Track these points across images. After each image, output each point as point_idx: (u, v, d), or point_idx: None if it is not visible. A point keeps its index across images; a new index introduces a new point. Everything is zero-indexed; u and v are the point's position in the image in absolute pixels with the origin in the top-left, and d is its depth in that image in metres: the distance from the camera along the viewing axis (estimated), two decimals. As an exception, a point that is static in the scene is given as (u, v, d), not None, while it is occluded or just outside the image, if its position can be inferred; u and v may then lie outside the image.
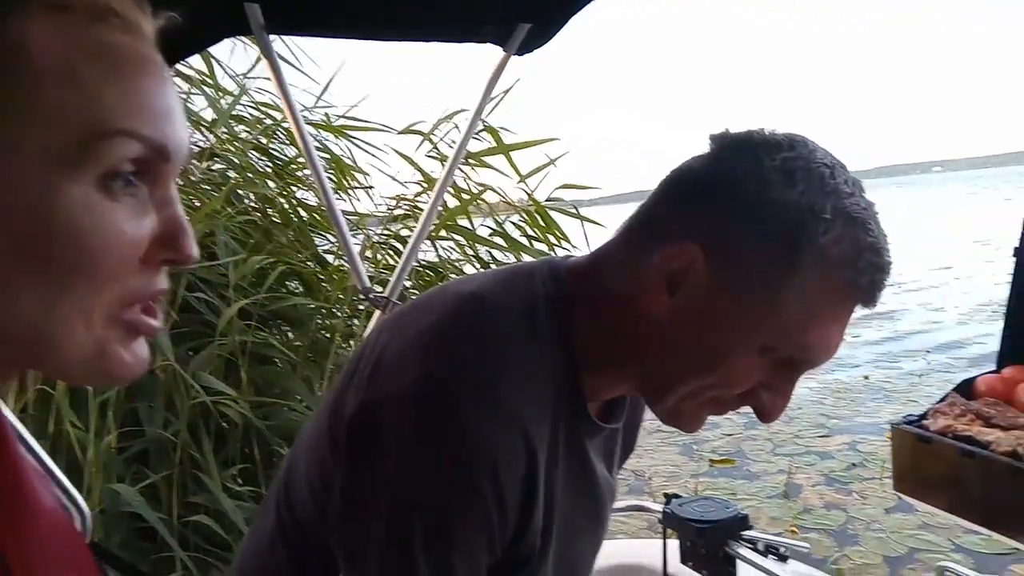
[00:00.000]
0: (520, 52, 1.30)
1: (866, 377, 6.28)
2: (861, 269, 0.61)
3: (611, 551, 1.72)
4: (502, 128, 3.02)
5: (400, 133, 3.08)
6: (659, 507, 1.56)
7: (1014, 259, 0.99)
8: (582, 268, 0.71)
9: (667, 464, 4.85)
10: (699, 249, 0.62)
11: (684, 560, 1.49)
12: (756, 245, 0.61)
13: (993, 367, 1.00)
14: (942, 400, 0.95)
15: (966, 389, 0.97)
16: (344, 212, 3.39)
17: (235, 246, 2.62)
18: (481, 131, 2.96)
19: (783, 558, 1.52)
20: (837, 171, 0.62)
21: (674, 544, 1.54)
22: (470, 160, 3.04)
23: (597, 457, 0.77)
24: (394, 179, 3.12)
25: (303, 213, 3.07)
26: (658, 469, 4.76)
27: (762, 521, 3.84)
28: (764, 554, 1.48)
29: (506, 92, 2.91)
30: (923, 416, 0.94)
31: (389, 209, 3.11)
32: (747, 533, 1.49)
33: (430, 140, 2.99)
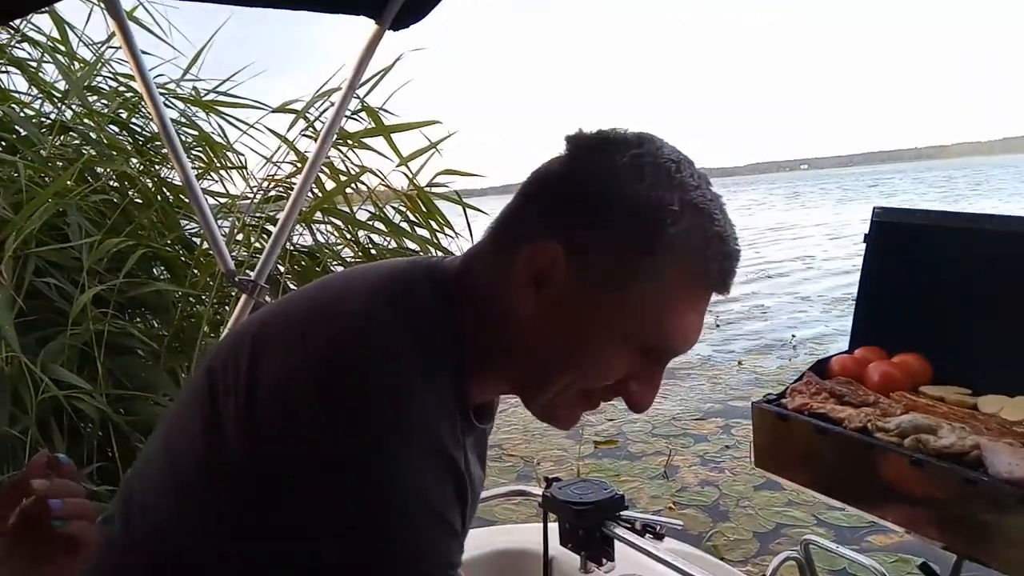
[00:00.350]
0: (395, 27, 1.25)
1: (740, 363, 6.63)
2: (710, 257, 0.64)
3: (492, 537, 1.72)
4: (383, 111, 2.93)
5: (275, 111, 2.93)
6: (539, 491, 1.57)
7: (863, 247, 1.03)
8: (456, 271, 0.71)
9: (555, 448, 4.93)
10: (560, 247, 0.64)
11: (563, 542, 1.50)
12: (611, 239, 0.63)
13: (846, 348, 1.05)
14: (799, 379, 0.98)
15: (821, 369, 1.01)
16: (215, 193, 3.22)
17: (89, 227, 2.42)
18: (360, 111, 2.86)
19: (660, 536, 1.56)
20: (683, 165, 0.65)
21: (555, 527, 1.55)
22: (349, 141, 2.94)
23: (473, 457, 0.76)
24: (268, 159, 2.97)
25: (168, 193, 2.87)
26: (546, 454, 4.84)
27: (644, 499, 3.98)
28: (641, 533, 1.51)
29: (386, 71, 2.83)
30: (782, 395, 0.97)
31: (263, 190, 2.96)
32: (625, 513, 1.52)
33: (305, 118, 2.87)
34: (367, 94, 2.83)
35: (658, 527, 1.56)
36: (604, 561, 1.47)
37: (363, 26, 1.27)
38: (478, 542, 1.63)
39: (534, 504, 1.58)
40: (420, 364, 0.64)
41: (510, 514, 3.59)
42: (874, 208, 1.05)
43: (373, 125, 2.91)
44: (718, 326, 8.74)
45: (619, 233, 0.63)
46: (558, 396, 0.69)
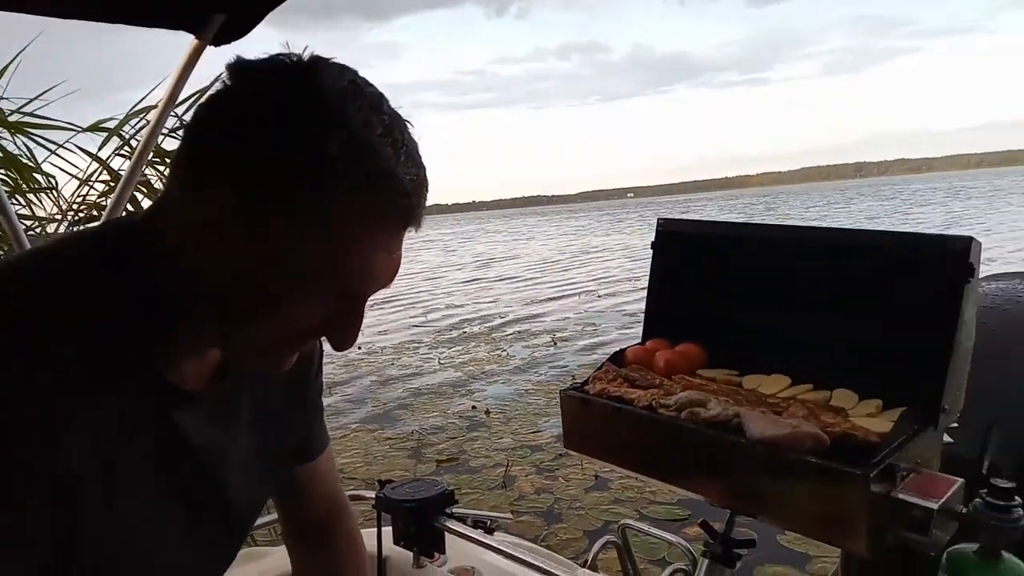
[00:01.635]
0: (216, 43, 1.26)
1: (573, 377, 6.95)
2: (384, 197, 0.62)
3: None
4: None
5: (86, 130, 2.76)
6: (372, 494, 1.61)
7: (652, 252, 1.18)
8: (141, 226, 0.69)
9: (397, 468, 4.94)
10: (231, 196, 0.60)
11: (397, 541, 1.55)
12: (280, 187, 0.60)
13: (639, 341, 1.19)
14: (599, 368, 1.11)
15: (618, 358, 1.14)
16: (22, 216, 2.96)
17: None
18: (179, 129, 2.77)
19: (490, 531, 1.65)
20: (350, 97, 0.61)
21: (389, 529, 1.60)
22: (168, 160, 2.83)
23: (203, 425, 0.75)
24: (80, 180, 2.79)
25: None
26: (389, 474, 4.83)
27: (484, 509, 4.07)
28: (473, 527, 1.59)
29: (205, 91, 2.75)
30: (585, 383, 1.09)
31: (73, 211, 2.77)
32: (457, 510, 1.59)
33: (120, 136, 2.73)
34: (185, 111, 2.75)
35: (488, 522, 1.65)
36: (436, 555, 1.54)
37: (185, 42, 1.28)
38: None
39: (368, 508, 1.62)
40: (60, 319, 0.62)
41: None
42: (658, 219, 1.20)
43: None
44: (555, 343, 9.11)
45: (288, 180, 0.60)
46: (258, 348, 0.68)
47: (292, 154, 0.59)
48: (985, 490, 0.81)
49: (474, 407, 6.41)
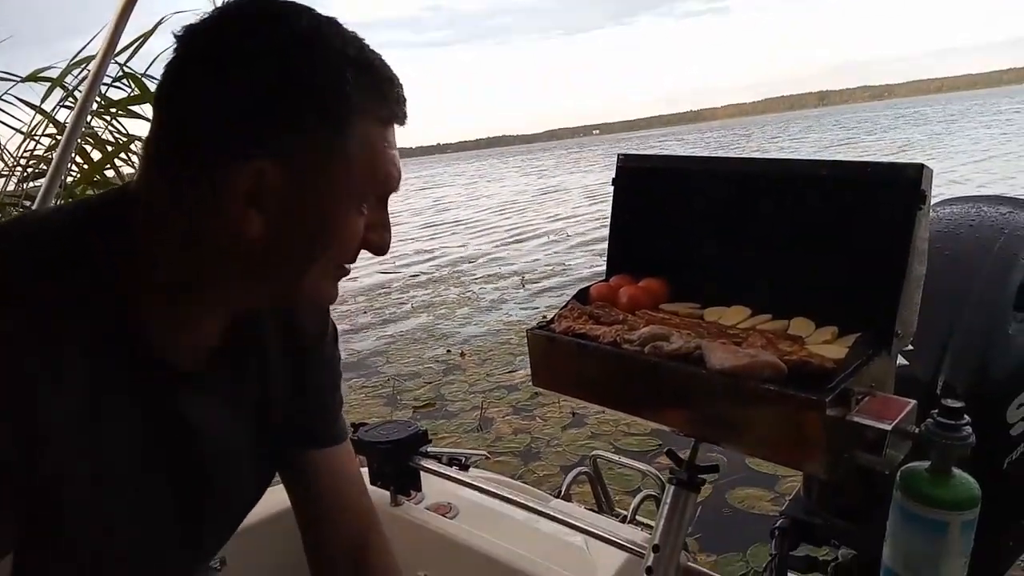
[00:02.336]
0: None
1: (544, 316, 7.01)
2: (391, 100, 0.69)
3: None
4: (149, 77, 2.73)
5: (25, 80, 2.65)
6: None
7: (612, 188, 1.18)
8: (148, 182, 0.69)
9: (374, 415, 4.97)
10: (265, 163, 0.63)
11: (373, 481, 1.58)
12: (307, 129, 0.64)
13: (603, 278, 1.20)
14: (565, 306, 1.12)
15: (583, 296, 1.15)
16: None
17: None
18: (121, 78, 2.67)
19: (465, 467, 1.69)
20: (325, 27, 0.66)
21: (365, 470, 1.62)
22: (113, 109, 2.73)
23: (202, 407, 0.76)
24: (24, 134, 2.68)
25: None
26: (367, 422, 4.88)
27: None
28: (449, 465, 1.62)
29: (147, 36, 2.65)
30: (551, 321, 1.10)
31: (22, 167, 2.68)
32: (432, 449, 1.62)
33: (63, 87, 2.62)
34: (128, 59, 2.65)
35: (464, 459, 1.68)
36: (412, 493, 1.57)
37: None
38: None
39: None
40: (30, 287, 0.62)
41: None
42: (618, 155, 1.20)
43: (138, 92, 2.72)
44: (524, 286, 9.13)
45: (311, 123, 0.64)
46: (315, 284, 0.72)
47: (312, 101, 0.63)
48: (936, 410, 0.84)
49: (448, 351, 6.45)
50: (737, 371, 0.88)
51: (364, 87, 0.66)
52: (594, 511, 2.15)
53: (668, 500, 1.05)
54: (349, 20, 0.65)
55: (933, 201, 2.00)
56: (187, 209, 0.66)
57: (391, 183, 0.72)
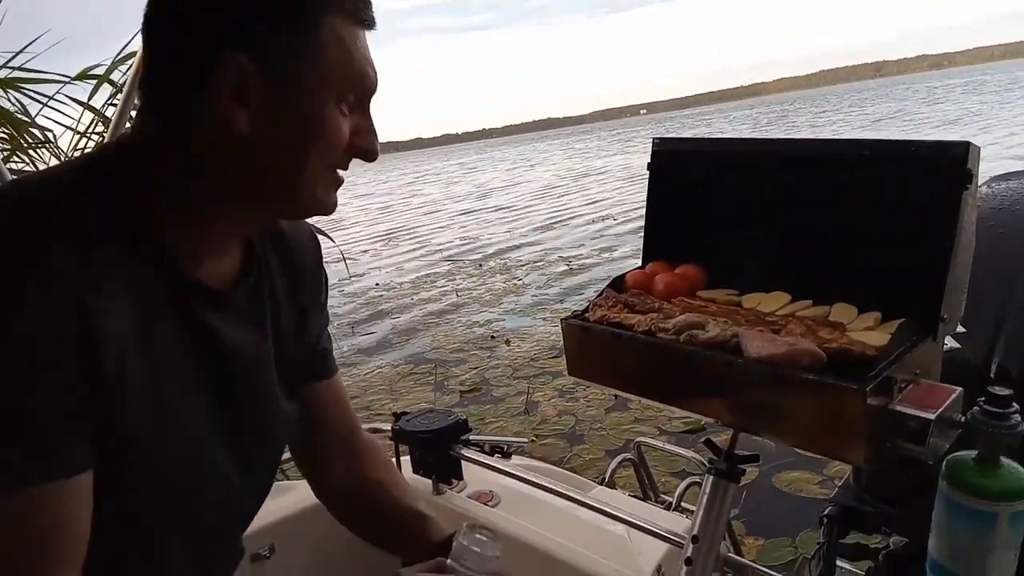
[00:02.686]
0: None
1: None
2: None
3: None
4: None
5: (76, 79, 2.72)
6: (388, 427, 1.65)
7: (648, 174, 1.16)
8: (141, 126, 0.74)
9: (423, 402, 5.04)
10: (243, 55, 0.67)
11: (415, 470, 1.60)
12: (280, 25, 0.68)
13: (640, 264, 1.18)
14: (600, 295, 1.11)
15: (618, 284, 1.13)
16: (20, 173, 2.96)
17: None
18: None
19: (507, 455, 1.70)
20: None
21: (408, 459, 1.65)
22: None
23: (233, 327, 0.79)
24: (77, 131, 2.76)
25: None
26: (415, 408, 4.94)
27: (508, 436, 4.18)
28: (491, 454, 1.63)
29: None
30: (586, 311, 1.09)
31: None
32: (474, 437, 1.63)
33: (111, 83, 2.69)
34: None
35: (506, 447, 1.69)
36: (454, 481, 1.59)
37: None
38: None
39: (385, 440, 1.66)
40: (67, 216, 0.65)
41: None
42: (653, 139, 1.18)
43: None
44: (571, 269, 9.09)
45: (284, 18, 0.68)
46: (312, 187, 0.74)
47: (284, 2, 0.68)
48: (983, 398, 0.81)
49: (493, 336, 6.48)
50: (775, 360, 0.86)
51: None
52: (639, 498, 2.15)
53: (707, 491, 1.04)
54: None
55: (986, 176, 1.93)
56: (181, 126, 0.70)
57: (367, 83, 0.74)
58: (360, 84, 0.74)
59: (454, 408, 4.77)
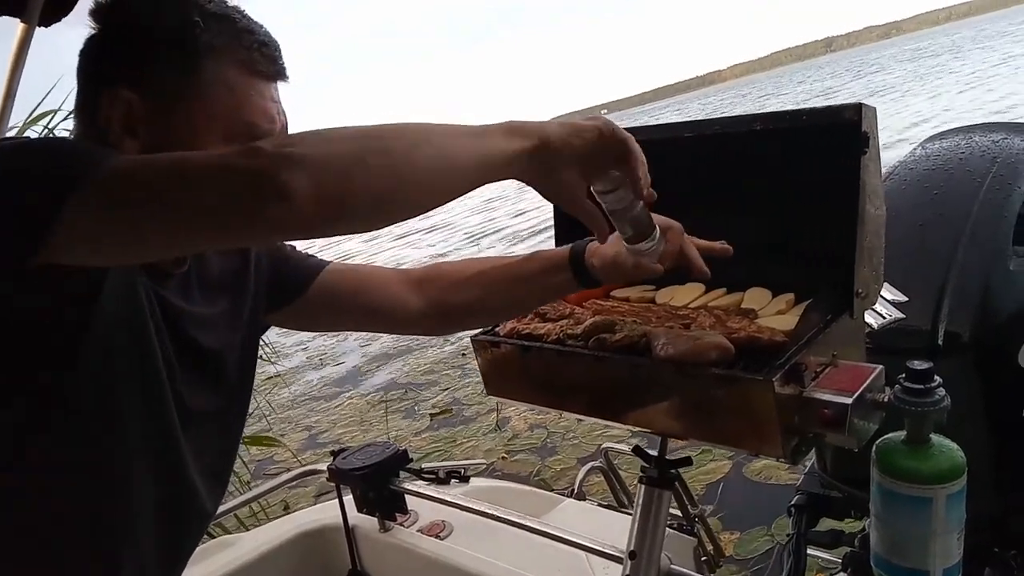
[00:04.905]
0: (44, 23, 1.15)
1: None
2: (249, 47, 0.74)
3: (292, 521, 1.69)
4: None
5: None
6: (324, 467, 1.56)
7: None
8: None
9: (392, 430, 4.93)
10: (128, 91, 0.71)
11: (360, 509, 1.51)
12: (162, 67, 0.72)
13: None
14: (510, 306, 1.03)
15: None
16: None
17: None
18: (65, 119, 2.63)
19: (465, 479, 1.61)
20: None
21: (349, 498, 1.56)
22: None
23: (183, 298, 0.81)
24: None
25: None
26: (384, 437, 4.82)
27: (479, 455, 4.09)
28: (446, 480, 1.55)
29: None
30: (496, 325, 1.02)
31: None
32: (427, 465, 1.55)
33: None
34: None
35: (463, 471, 1.61)
36: (399, 517, 1.50)
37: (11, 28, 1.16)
38: (279, 530, 1.61)
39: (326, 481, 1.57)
40: None
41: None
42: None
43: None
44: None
45: (165, 60, 0.72)
46: None
47: (167, 42, 0.72)
48: (903, 375, 0.75)
49: (463, 354, 6.38)
50: (681, 357, 0.80)
51: (218, 32, 0.73)
52: (612, 507, 2.07)
53: (640, 501, 0.97)
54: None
55: (923, 137, 1.88)
56: (92, 136, 0.73)
57: (257, 130, 0.75)
58: (248, 131, 0.74)
59: (423, 433, 4.69)
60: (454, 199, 0.66)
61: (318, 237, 0.61)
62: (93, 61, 0.74)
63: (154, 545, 0.79)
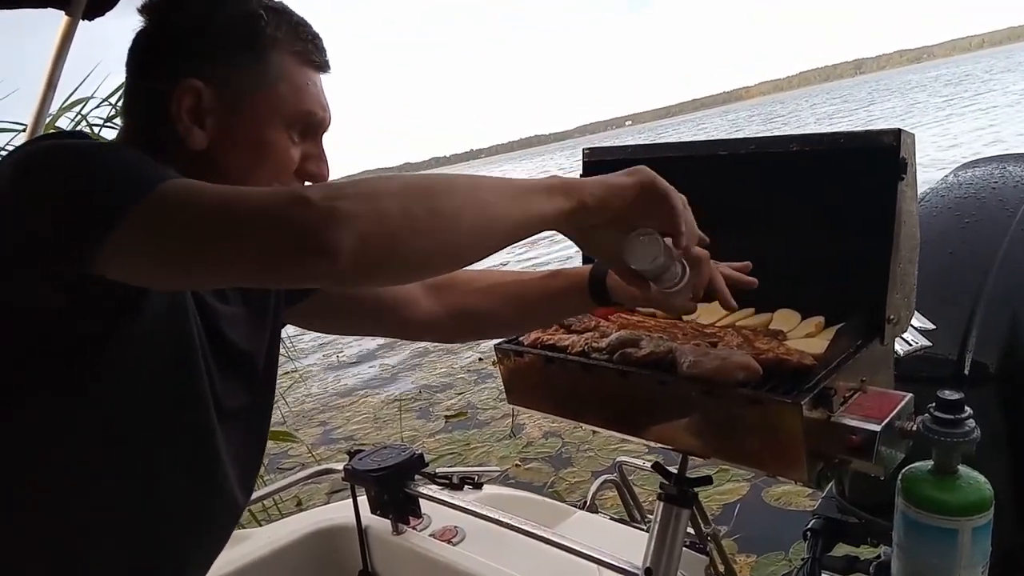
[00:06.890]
0: (88, 16, 1.17)
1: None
2: (303, 39, 0.80)
3: (306, 519, 1.70)
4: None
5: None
6: (340, 466, 1.57)
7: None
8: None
9: (407, 431, 4.94)
10: (199, 82, 0.74)
11: (373, 510, 1.51)
12: (234, 58, 0.76)
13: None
14: (535, 316, 1.04)
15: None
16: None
17: None
18: (115, 117, 2.66)
19: (478, 485, 1.61)
20: None
21: (363, 499, 1.56)
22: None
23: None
24: None
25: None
26: (397, 437, 4.83)
27: (493, 461, 4.08)
28: (460, 486, 1.55)
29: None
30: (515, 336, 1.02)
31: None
32: (441, 470, 1.55)
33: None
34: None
35: (476, 477, 1.61)
36: (412, 520, 1.50)
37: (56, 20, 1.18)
38: (292, 528, 1.61)
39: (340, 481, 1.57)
40: None
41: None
42: (583, 150, 1.12)
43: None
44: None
45: (235, 51, 0.76)
46: None
47: (236, 35, 0.76)
48: (933, 404, 0.74)
49: (480, 359, 6.39)
50: (707, 375, 0.79)
51: (277, 24, 0.78)
52: (625, 521, 2.06)
53: (658, 518, 0.96)
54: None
55: (956, 165, 1.86)
56: (151, 138, 0.75)
57: (314, 118, 0.81)
58: (306, 118, 0.80)
59: (437, 435, 4.69)
60: (487, 257, 0.67)
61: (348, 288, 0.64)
62: (151, 54, 0.77)
63: (192, 545, 0.81)
